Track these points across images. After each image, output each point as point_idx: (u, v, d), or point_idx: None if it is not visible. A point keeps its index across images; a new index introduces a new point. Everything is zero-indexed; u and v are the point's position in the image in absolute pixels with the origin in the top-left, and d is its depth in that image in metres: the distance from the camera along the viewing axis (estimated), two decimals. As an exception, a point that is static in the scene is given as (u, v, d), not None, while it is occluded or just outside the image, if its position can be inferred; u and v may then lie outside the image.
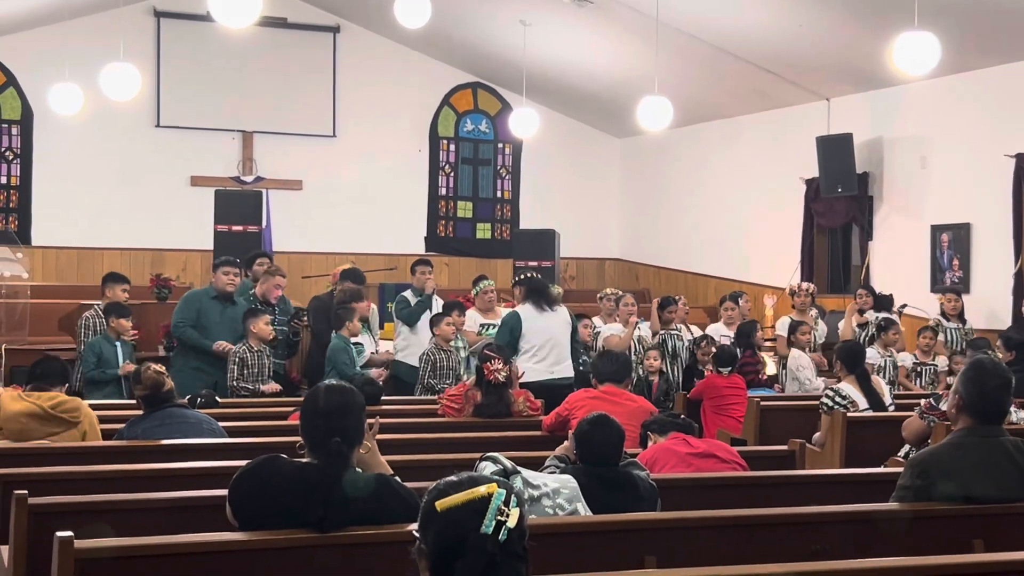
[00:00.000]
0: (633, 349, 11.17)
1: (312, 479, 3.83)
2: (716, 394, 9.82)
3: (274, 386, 9.52)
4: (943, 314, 12.09)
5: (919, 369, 11.45)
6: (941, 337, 11.73)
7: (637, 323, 11.47)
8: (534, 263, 14.52)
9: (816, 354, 11.43)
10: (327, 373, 9.58)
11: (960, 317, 12.07)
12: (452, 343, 10.41)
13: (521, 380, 8.96)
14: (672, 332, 11.72)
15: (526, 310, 9.45)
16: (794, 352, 11.05)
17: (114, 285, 10.80)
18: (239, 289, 10.40)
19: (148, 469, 5.47)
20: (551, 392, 8.61)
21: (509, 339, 9.29)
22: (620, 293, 12.20)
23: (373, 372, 9.80)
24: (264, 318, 9.59)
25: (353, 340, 10.02)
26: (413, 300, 11.23)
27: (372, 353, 10.76)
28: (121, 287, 10.79)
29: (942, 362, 11.42)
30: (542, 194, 18.86)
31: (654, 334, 11.64)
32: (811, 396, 9.92)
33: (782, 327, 12.09)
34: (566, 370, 9.48)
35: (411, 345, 10.96)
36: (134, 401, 6.72)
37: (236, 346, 9.47)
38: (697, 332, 11.97)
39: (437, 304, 11.25)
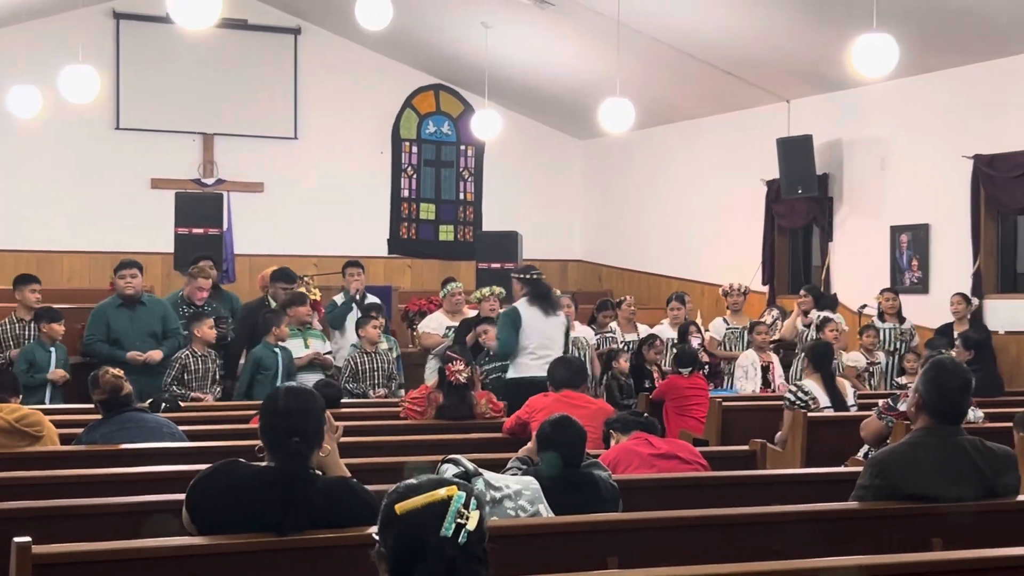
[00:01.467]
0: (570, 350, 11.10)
1: (271, 481, 3.82)
2: (678, 395, 9.86)
3: (208, 397, 9.32)
4: (881, 314, 12.21)
5: (871, 368, 11.56)
6: (880, 337, 11.87)
7: (574, 325, 11.45)
8: (497, 265, 14.51)
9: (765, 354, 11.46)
10: (240, 381, 9.46)
11: (898, 316, 12.18)
12: (379, 345, 10.31)
13: (520, 376, 9.03)
14: (607, 335, 11.74)
15: (527, 309, 9.43)
16: (748, 353, 11.17)
17: (23, 287, 10.40)
18: (171, 297, 10.32)
19: (107, 474, 5.45)
20: (540, 387, 8.66)
21: (514, 334, 9.28)
22: (558, 292, 12.16)
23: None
24: (207, 321, 9.47)
25: (282, 344, 9.79)
26: (341, 302, 11.19)
27: (319, 353, 10.46)
28: (30, 288, 10.38)
29: (881, 359, 11.60)
30: (505, 196, 18.86)
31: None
32: (774, 396, 9.99)
33: (715, 329, 12.20)
34: None
35: (341, 348, 10.89)
36: (73, 405, 6.67)
37: (181, 352, 9.36)
38: (645, 333, 12.00)
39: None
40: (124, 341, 9.65)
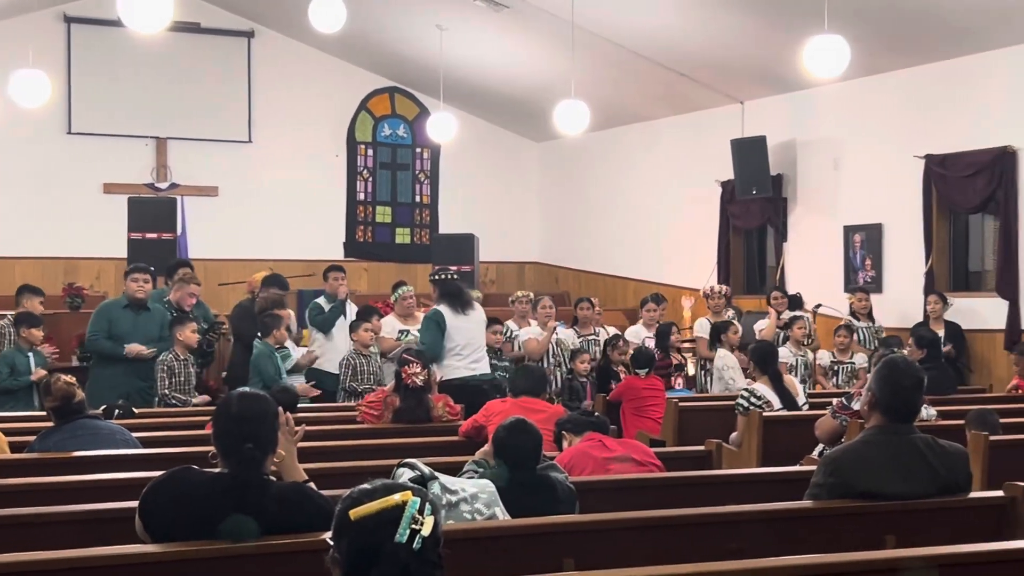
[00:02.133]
0: (551, 352, 11.21)
1: (224, 488, 3.79)
2: (635, 396, 9.88)
3: (204, 397, 9.50)
4: (853, 313, 12.29)
5: (836, 367, 11.62)
6: (856, 336, 11.91)
7: (556, 326, 11.52)
8: (453, 267, 14.48)
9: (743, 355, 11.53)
10: (252, 382, 9.51)
11: (869, 316, 12.28)
12: (371, 348, 10.40)
13: (448, 378, 9.01)
14: (590, 337, 11.79)
15: (445, 310, 9.47)
16: (721, 352, 11.15)
17: (32, 297, 10.70)
18: (153, 296, 10.29)
19: (60, 482, 5.39)
20: (471, 390, 8.68)
21: (438, 334, 9.31)
22: (532, 295, 12.23)
23: (299, 387, 9.70)
24: (191, 325, 9.53)
25: (278, 347, 9.92)
26: (327, 306, 11.18)
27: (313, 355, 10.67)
28: (39, 299, 10.70)
29: (860, 359, 11.61)
30: (461, 198, 18.85)
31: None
32: (729, 397, 10.02)
33: (701, 329, 12.20)
34: (484, 367, 9.55)
35: (327, 352, 10.91)
36: (44, 412, 6.61)
37: (163, 355, 9.38)
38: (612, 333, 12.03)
39: (351, 309, 11.22)
40: (125, 341, 9.66)
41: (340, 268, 11.65)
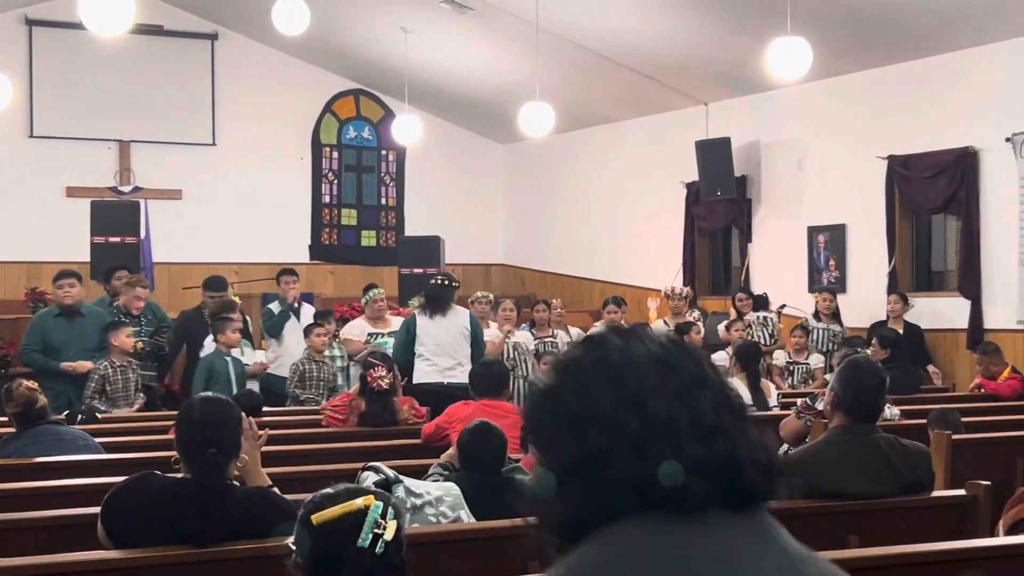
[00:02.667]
0: (506, 355, 11.11)
1: (187, 493, 3.77)
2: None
3: (133, 408, 9.23)
4: (816, 313, 12.35)
5: (791, 367, 11.67)
6: (812, 336, 11.99)
7: (511, 330, 11.48)
8: (419, 270, 14.47)
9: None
10: (194, 388, 9.43)
11: (834, 316, 12.30)
12: (326, 353, 10.31)
13: (416, 382, 9.03)
14: (547, 339, 11.80)
15: (422, 315, 9.52)
16: None
17: None
18: (99, 302, 10.21)
19: (22, 488, 5.35)
20: (442, 397, 8.65)
21: (405, 338, 9.37)
22: (492, 297, 12.19)
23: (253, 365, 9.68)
24: (125, 330, 9.34)
25: (234, 352, 9.81)
26: (278, 311, 11.14)
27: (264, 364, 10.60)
28: None
29: (815, 360, 11.69)
30: (427, 201, 18.82)
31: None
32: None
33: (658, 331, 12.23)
34: (460, 376, 9.46)
35: (280, 356, 10.85)
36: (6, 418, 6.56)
37: (98, 363, 9.25)
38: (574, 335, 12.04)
39: (307, 312, 11.17)
40: (62, 352, 9.53)
41: (292, 272, 11.59)
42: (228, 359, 9.63)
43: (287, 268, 11.85)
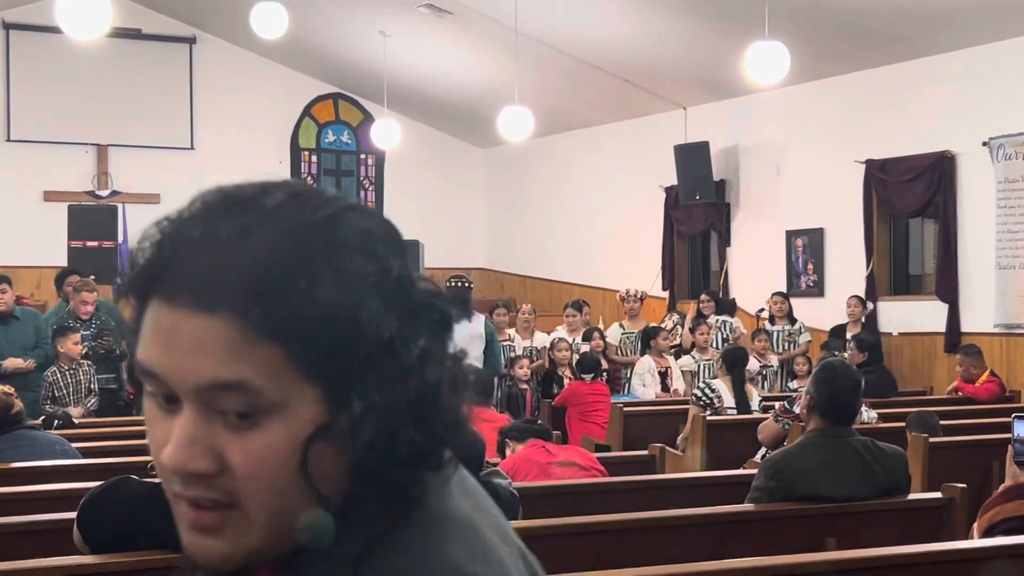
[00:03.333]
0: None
1: (165, 498, 3.74)
2: (580, 401, 9.92)
3: (78, 411, 9.11)
4: (771, 317, 12.41)
5: (763, 371, 11.70)
6: (771, 339, 12.07)
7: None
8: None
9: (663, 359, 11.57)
10: None
11: (789, 318, 12.39)
12: None
13: None
14: (505, 343, 11.80)
15: None
16: (644, 359, 11.29)
17: None
18: (53, 311, 10.15)
19: (-2, 493, 5.32)
20: None
21: None
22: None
23: None
24: (73, 336, 9.30)
25: None
26: None
27: None
28: None
29: (775, 361, 11.79)
30: (406, 205, 18.77)
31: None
32: (676, 401, 10.10)
33: (612, 335, 12.27)
34: None
35: None
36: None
37: (47, 371, 9.22)
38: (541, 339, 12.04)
39: None
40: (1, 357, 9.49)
41: None
42: None
43: None
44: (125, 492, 3.80)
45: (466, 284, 9.78)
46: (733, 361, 8.98)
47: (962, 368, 10.51)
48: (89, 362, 9.45)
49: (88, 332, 9.85)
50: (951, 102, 11.93)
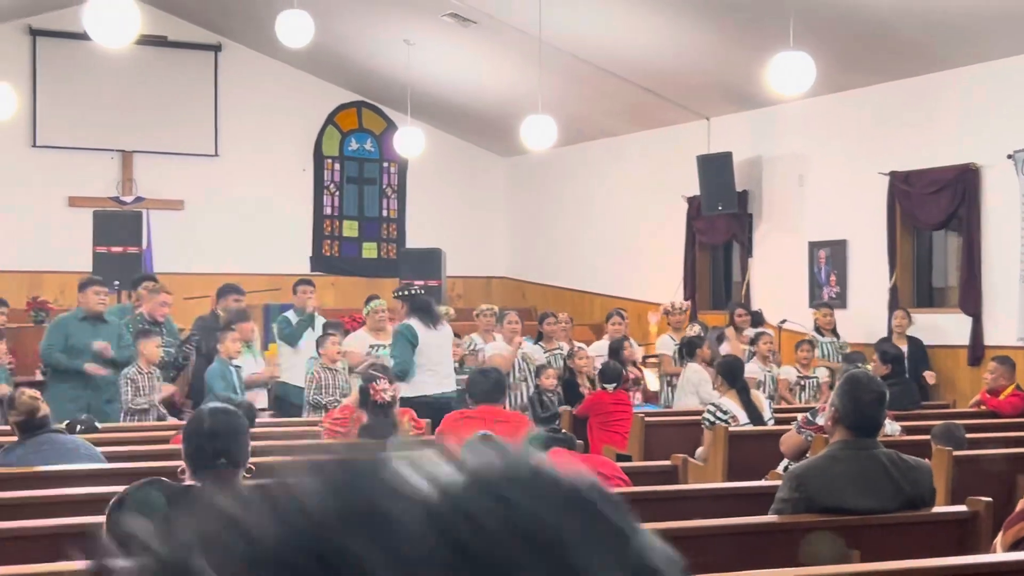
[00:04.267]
0: (517, 367, 11.20)
1: (195, 499, 3.76)
2: (602, 410, 9.90)
3: (170, 388, 9.41)
4: (817, 328, 12.37)
5: (802, 383, 11.64)
6: (819, 351, 11.98)
7: (522, 341, 11.52)
8: (420, 282, 14.48)
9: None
10: (207, 397, 9.50)
11: (834, 331, 12.35)
12: (337, 364, 10.37)
13: (417, 394, 9.00)
14: (555, 351, 11.81)
15: (417, 325, 9.43)
16: (694, 366, 11.16)
17: None
18: (119, 311, 10.26)
19: (23, 497, 5.35)
20: (440, 406, 8.67)
21: (409, 350, 9.28)
22: (496, 309, 12.23)
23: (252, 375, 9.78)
24: (155, 340, 9.50)
25: (234, 362, 9.88)
26: (295, 320, 11.15)
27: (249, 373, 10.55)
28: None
29: (823, 373, 11.68)
30: (428, 213, 18.84)
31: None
32: (696, 412, 10.05)
33: (664, 346, 12.24)
34: (451, 383, 9.51)
35: (295, 366, 10.88)
36: (8, 427, 6.56)
37: (127, 368, 9.34)
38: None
39: (320, 323, 11.20)
40: (82, 355, 9.61)
41: (309, 282, 11.64)
42: (232, 369, 9.74)
43: (304, 279, 11.90)
44: (156, 494, 3.82)
45: (419, 292, 9.76)
46: (732, 373, 8.70)
47: (992, 376, 10.40)
48: (159, 370, 9.62)
49: (160, 337, 10.02)
50: (976, 114, 11.90)
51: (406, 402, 8.64)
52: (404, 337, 9.37)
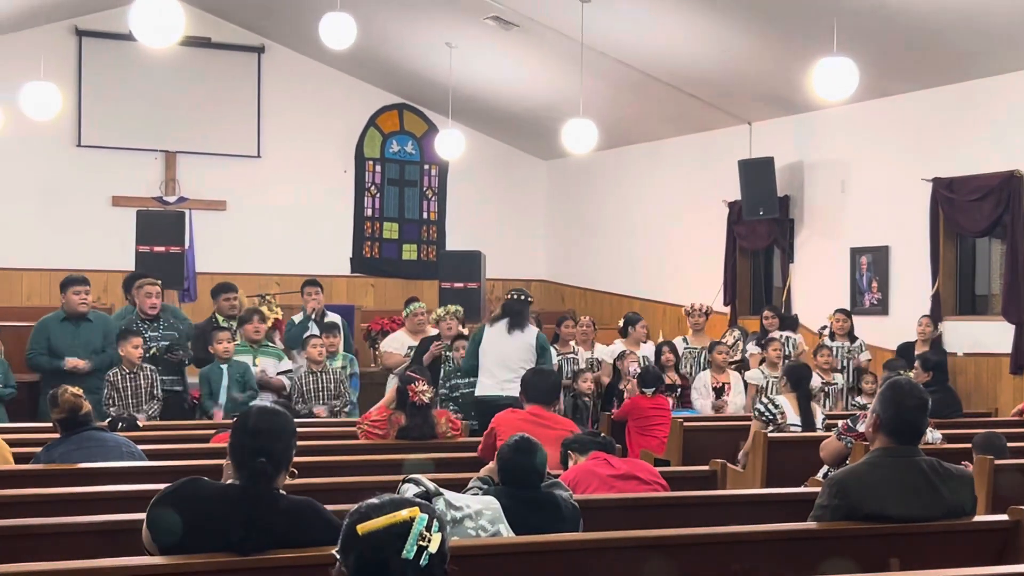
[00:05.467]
0: (562, 372, 11.21)
1: (235, 500, 3.79)
2: (641, 415, 9.90)
3: (140, 418, 9.18)
4: (831, 333, 12.31)
5: (826, 389, 11.58)
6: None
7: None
8: (460, 284, 14.51)
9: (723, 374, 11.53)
10: (202, 398, 9.62)
11: (849, 335, 12.28)
12: (336, 364, 10.31)
13: (478, 394, 9.28)
14: (569, 355, 11.80)
15: (490, 328, 9.64)
16: (704, 374, 11.25)
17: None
18: (120, 313, 10.27)
19: (65, 493, 5.40)
20: (497, 407, 8.72)
21: (473, 351, 9.59)
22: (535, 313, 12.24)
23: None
24: (133, 340, 9.38)
25: (229, 359, 9.82)
26: (298, 321, 11.19)
27: (264, 372, 10.42)
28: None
29: (839, 379, 11.69)
30: (468, 215, 18.88)
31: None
32: (736, 417, 10.05)
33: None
34: (512, 388, 9.47)
35: (302, 367, 10.88)
36: (49, 424, 6.62)
37: (109, 372, 9.35)
38: (600, 352, 12.04)
39: (316, 326, 11.19)
40: (66, 356, 9.64)
41: (314, 283, 11.61)
42: (223, 367, 9.70)
43: (310, 279, 11.87)
44: (195, 492, 3.85)
45: (524, 297, 9.83)
46: (798, 378, 8.82)
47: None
48: (152, 367, 9.54)
49: (155, 333, 9.97)
50: (1020, 121, 11.80)
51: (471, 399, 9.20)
52: (473, 338, 9.82)
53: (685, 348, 12.27)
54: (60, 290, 10.12)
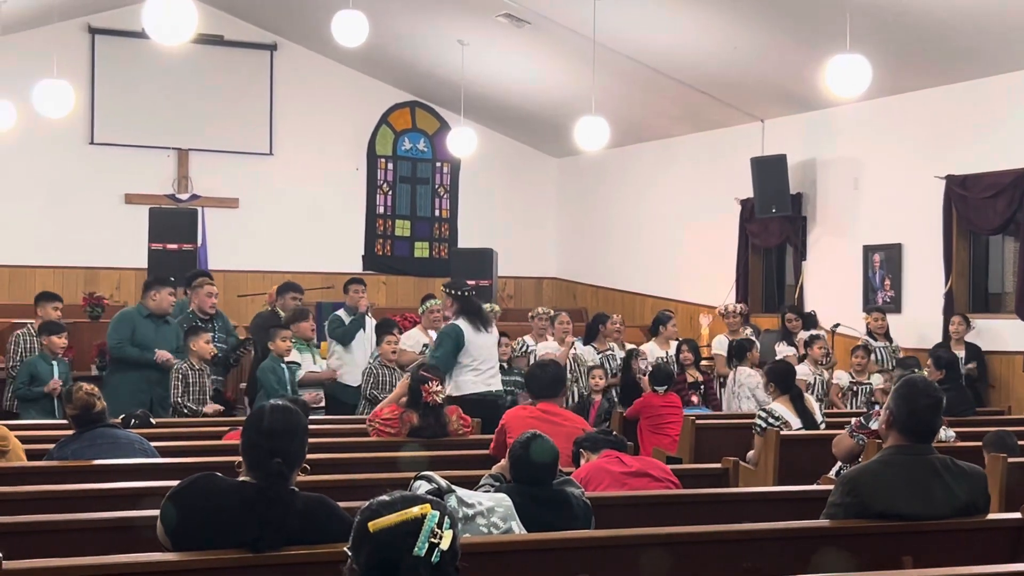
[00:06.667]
0: (569, 368, 11.18)
1: (249, 497, 3.79)
2: (652, 412, 9.89)
3: (216, 407, 9.48)
4: (870, 333, 12.26)
5: (855, 388, 11.53)
6: (874, 356, 11.86)
7: (573, 342, 11.53)
8: (472, 282, 14.51)
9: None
10: (257, 394, 9.60)
11: (886, 335, 12.24)
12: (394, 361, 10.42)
13: (463, 393, 9.02)
14: (608, 353, 11.81)
15: (465, 327, 9.41)
16: (745, 370, 11.12)
17: (45, 304, 10.81)
18: (179, 307, 10.37)
19: (78, 489, 5.42)
20: (487, 404, 8.71)
21: (453, 351, 9.22)
22: (551, 311, 12.25)
23: (306, 396, 9.75)
24: (205, 336, 9.58)
25: (288, 359, 9.94)
26: (347, 319, 11.20)
27: (308, 371, 10.60)
28: (52, 305, 10.79)
29: (876, 380, 11.54)
30: (480, 213, 18.88)
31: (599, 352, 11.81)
32: (746, 415, 10.01)
33: (719, 346, 12.21)
34: (497, 383, 9.52)
35: (345, 364, 10.93)
36: (66, 420, 6.64)
37: (178, 363, 9.43)
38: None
39: (371, 323, 11.24)
40: (146, 352, 9.74)
41: (360, 281, 11.70)
42: (284, 366, 9.80)
43: (355, 277, 11.96)
44: (210, 488, 3.85)
45: (470, 293, 9.71)
46: (784, 379, 8.59)
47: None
48: (210, 365, 9.71)
49: (210, 333, 10.11)
50: (1035, 118, 11.77)
51: (452, 400, 8.67)
52: (451, 339, 9.31)
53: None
54: (145, 288, 10.22)
